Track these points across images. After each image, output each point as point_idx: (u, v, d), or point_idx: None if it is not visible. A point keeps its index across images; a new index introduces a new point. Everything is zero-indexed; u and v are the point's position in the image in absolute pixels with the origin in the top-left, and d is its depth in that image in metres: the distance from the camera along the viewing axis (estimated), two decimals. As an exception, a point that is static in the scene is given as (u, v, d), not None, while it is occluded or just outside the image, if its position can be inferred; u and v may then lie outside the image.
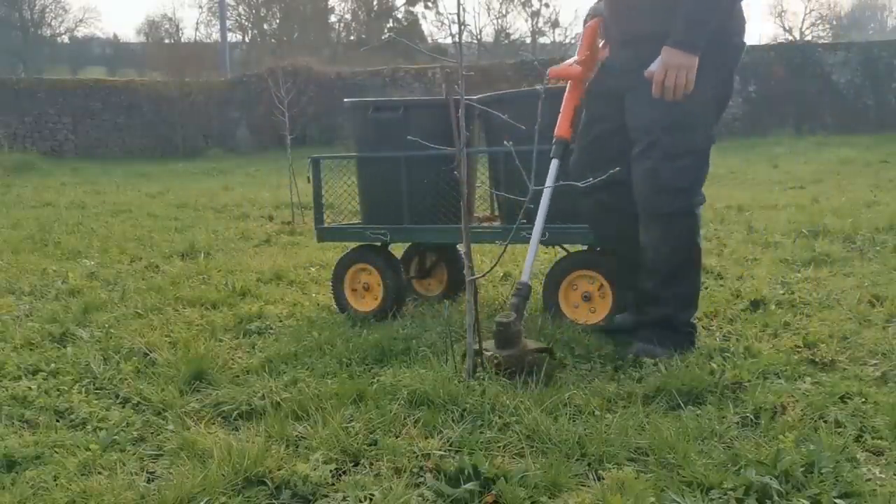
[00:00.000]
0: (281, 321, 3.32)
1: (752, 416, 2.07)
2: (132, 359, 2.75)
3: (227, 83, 18.22)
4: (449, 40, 32.96)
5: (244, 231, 6.22)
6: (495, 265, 2.54)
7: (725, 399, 2.19)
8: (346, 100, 3.63)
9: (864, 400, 2.14)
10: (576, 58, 2.87)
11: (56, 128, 16.91)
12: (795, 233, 4.97)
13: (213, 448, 1.90)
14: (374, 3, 34.57)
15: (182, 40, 33.17)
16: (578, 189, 2.46)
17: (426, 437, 1.99)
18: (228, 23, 30.10)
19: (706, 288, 3.57)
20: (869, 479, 1.73)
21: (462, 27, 2.32)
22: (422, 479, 1.80)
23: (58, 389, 2.44)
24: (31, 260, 4.89)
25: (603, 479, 1.77)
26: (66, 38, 40.23)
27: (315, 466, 1.82)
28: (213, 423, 2.18)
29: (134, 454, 2.00)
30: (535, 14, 34.86)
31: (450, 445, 1.94)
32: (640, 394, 2.23)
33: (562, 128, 2.82)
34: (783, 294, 3.40)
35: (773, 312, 3.12)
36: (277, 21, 33.89)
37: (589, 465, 1.85)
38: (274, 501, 1.74)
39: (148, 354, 2.81)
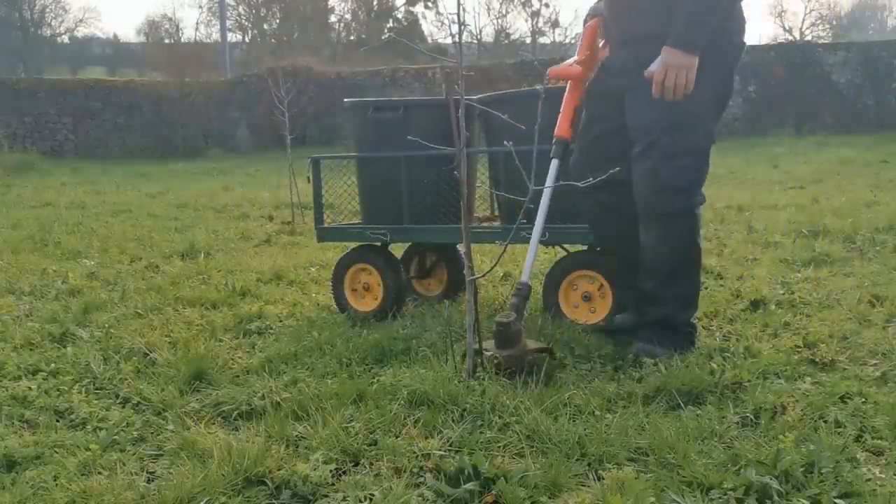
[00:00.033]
0: (281, 321, 3.32)
1: (752, 416, 2.07)
2: (132, 359, 2.75)
3: (227, 83, 18.22)
4: (449, 40, 32.97)
5: (244, 231, 6.22)
6: (495, 265, 2.54)
7: (725, 399, 2.19)
8: (346, 100, 3.63)
9: (864, 400, 2.14)
10: (576, 58, 2.87)
11: (56, 128, 16.91)
12: (795, 233, 4.97)
13: (213, 448, 1.90)
14: (374, 3, 34.57)
15: (182, 40, 33.21)
16: (578, 189, 2.46)
17: (426, 437, 1.99)
18: (228, 23, 30.12)
19: (706, 288, 3.57)
20: (869, 479, 1.73)
21: (462, 27, 2.32)
22: (422, 479, 1.80)
23: (58, 389, 2.44)
24: (31, 260, 4.89)
25: (603, 479, 1.77)
26: (66, 38, 40.27)
27: (315, 466, 1.82)
28: (213, 423, 2.18)
29: (134, 454, 2.00)
30: (535, 14, 34.88)
31: (450, 445, 1.94)
32: (640, 394, 2.23)
33: (562, 128, 2.82)
34: (783, 294, 3.40)
35: (773, 312, 3.12)
36: (277, 21, 33.90)
37: (589, 465, 1.85)
38: (274, 501, 1.74)
39: (148, 354, 2.81)
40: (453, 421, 2.06)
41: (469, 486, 1.71)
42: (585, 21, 2.95)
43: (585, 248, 3.18)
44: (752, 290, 3.43)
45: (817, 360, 2.53)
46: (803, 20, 39.49)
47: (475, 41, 33.90)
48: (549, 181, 2.75)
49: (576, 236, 3.05)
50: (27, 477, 1.85)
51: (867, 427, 1.99)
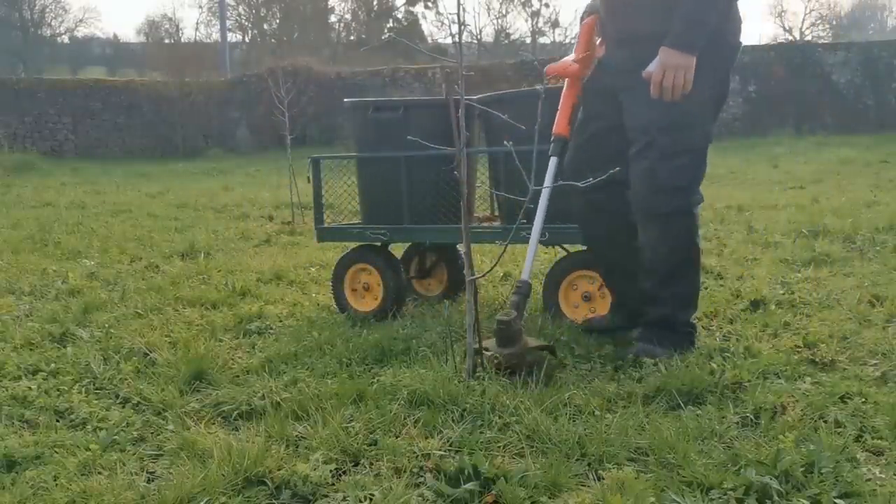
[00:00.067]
0: (281, 321, 3.32)
1: (752, 416, 2.07)
2: (132, 359, 2.75)
3: (227, 83, 18.22)
4: (449, 40, 32.97)
5: (244, 231, 6.22)
6: (495, 265, 2.54)
7: (725, 399, 2.19)
8: (346, 100, 3.63)
9: (864, 400, 2.14)
10: (573, 55, 2.87)
11: (56, 128, 16.91)
12: (795, 233, 4.97)
13: (213, 448, 1.90)
14: (374, 3, 34.57)
15: (182, 40, 33.23)
16: (575, 188, 2.46)
17: (426, 437, 1.99)
18: (228, 23, 30.12)
19: (706, 288, 3.57)
20: (869, 479, 1.73)
21: (462, 27, 2.32)
22: (422, 479, 1.80)
23: (58, 389, 2.44)
24: (31, 260, 4.89)
25: (603, 479, 1.77)
26: (66, 38, 40.27)
27: (315, 466, 1.82)
28: (213, 423, 2.18)
29: (134, 454, 2.00)
30: (535, 14, 34.88)
31: (450, 445, 1.94)
32: (640, 394, 2.23)
33: (560, 125, 2.82)
34: (783, 294, 3.40)
35: (773, 312, 3.12)
36: (277, 21, 33.90)
37: (589, 465, 1.85)
38: (274, 501, 1.74)
39: (148, 354, 2.81)
40: (453, 421, 2.06)
41: (469, 486, 1.71)
42: (582, 18, 2.95)
43: (585, 248, 3.18)
44: (752, 290, 3.43)
45: (817, 360, 2.53)
46: (803, 20, 39.50)
47: (475, 41, 33.91)
48: (548, 179, 2.75)
49: (576, 236, 3.05)
50: (27, 477, 1.85)
51: (867, 427, 1.99)
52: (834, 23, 37.61)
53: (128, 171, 13.37)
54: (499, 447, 1.93)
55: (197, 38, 35.09)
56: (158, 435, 2.12)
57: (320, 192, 3.47)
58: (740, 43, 2.66)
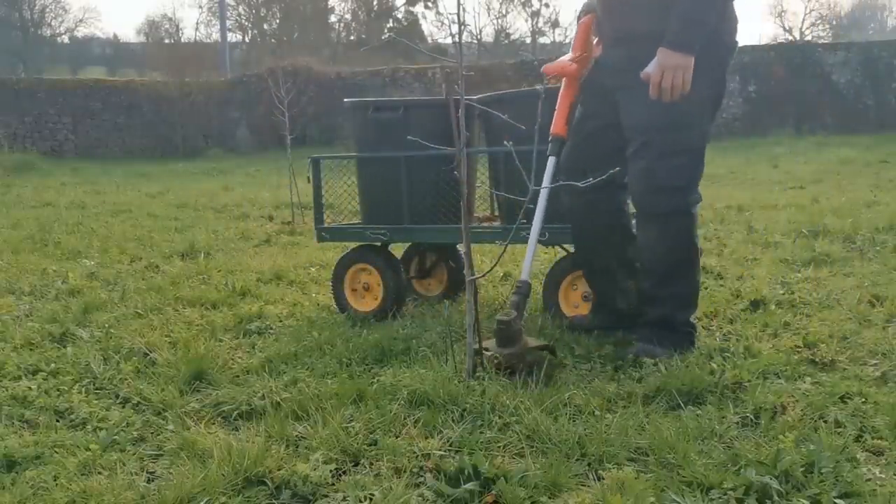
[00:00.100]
0: (281, 321, 3.32)
1: (752, 416, 2.07)
2: (132, 359, 2.75)
3: (227, 83, 18.22)
4: (449, 40, 32.97)
5: (244, 231, 6.22)
6: (495, 265, 2.54)
7: (725, 399, 2.19)
8: (346, 100, 3.63)
9: (864, 400, 2.14)
10: (570, 55, 2.87)
11: (56, 128, 16.91)
12: (795, 233, 4.97)
13: (213, 448, 1.90)
14: (374, 3, 34.58)
15: (182, 40, 33.24)
16: (567, 187, 2.46)
17: (426, 437, 1.99)
18: (228, 23, 30.13)
19: (706, 288, 3.57)
20: (869, 479, 1.73)
21: (462, 27, 2.32)
22: (422, 479, 1.80)
23: (58, 389, 2.44)
24: (31, 260, 4.89)
25: (603, 479, 1.77)
26: (66, 38, 40.28)
27: (315, 466, 1.82)
28: (213, 423, 2.18)
29: (134, 454, 2.00)
30: (535, 14, 34.90)
31: (450, 445, 1.94)
32: (640, 394, 2.23)
33: (558, 125, 2.81)
34: (783, 294, 3.40)
35: (773, 312, 3.12)
36: (277, 21, 33.91)
37: (589, 465, 1.85)
38: (274, 501, 1.74)
39: (148, 354, 2.81)
40: (453, 421, 2.06)
41: (469, 486, 1.71)
42: (579, 17, 2.96)
43: (574, 247, 3.17)
44: (752, 290, 3.43)
45: (817, 360, 2.53)
46: (803, 20, 39.49)
47: (475, 41, 33.92)
48: (546, 179, 2.75)
49: (576, 236, 3.05)
50: (27, 477, 1.85)
51: (867, 427, 1.99)
52: (834, 23, 37.65)
53: (128, 171, 13.37)
54: (499, 447, 1.93)
55: (197, 38, 35.14)
56: (158, 435, 2.12)
57: (320, 192, 3.47)
58: (736, 42, 2.67)
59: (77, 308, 3.51)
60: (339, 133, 16.19)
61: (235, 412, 2.23)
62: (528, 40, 34.89)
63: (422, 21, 45.63)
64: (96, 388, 2.49)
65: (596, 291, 2.93)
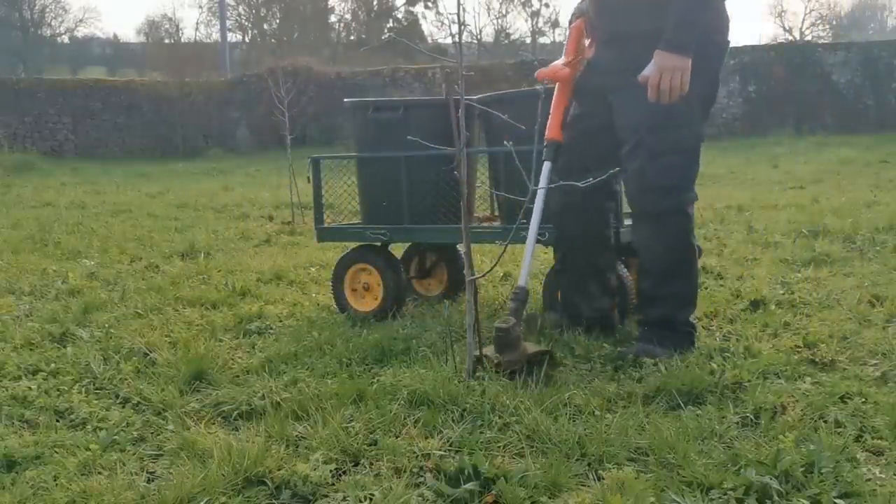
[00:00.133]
0: (281, 321, 3.32)
1: (752, 416, 2.07)
2: (132, 359, 2.75)
3: (227, 83, 18.22)
4: (449, 40, 32.99)
5: (244, 231, 6.22)
6: (495, 265, 2.54)
7: (725, 399, 2.19)
8: (346, 100, 3.63)
9: (864, 400, 2.14)
10: (563, 59, 2.87)
11: (56, 128, 16.91)
12: (795, 233, 4.97)
13: (213, 448, 1.90)
14: (374, 3, 34.58)
15: (182, 40, 33.25)
16: (558, 187, 2.46)
17: (426, 437, 1.99)
18: (228, 23, 30.13)
19: (706, 288, 3.57)
20: (869, 479, 1.72)
21: (462, 27, 2.32)
22: (422, 479, 1.80)
23: (58, 389, 2.44)
24: (31, 260, 4.89)
25: (603, 479, 1.77)
26: (66, 38, 40.27)
27: (315, 466, 1.82)
28: (213, 423, 2.18)
29: (134, 454, 2.00)
30: (535, 14, 34.90)
31: (450, 445, 1.94)
32: (640, 394, 2.23)
33: (552, 130, 2.81)
34: (783, 294, 3.40)
35: (773, 312, 3.12)
36: (277, 21, 33.91)
37: (589, 465, 1.85)
38: (274, 501, 1.74)
39: (148, 354, 2.81)
40: (453, 421, 2.06)
41: (469, 486, 1.71)
42: (571, 21, 2.96)
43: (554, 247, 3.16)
44: (752, 290, 3.43)
45: (817, 360, 2.53)
46: (803, 20, 39.45)
47: (475, 41, 33.93)
48: (543, 184, 2.74)
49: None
50: (27, 477, 1.85)
51: (867, 427, 1.99)
52: (834, 23, 37.65)
53: (128, 171, 13.37)
54: (499, 447, 1.93)
55: (197, 38, 35.14)
56: (158, 435, 2.12)
57: (320, 192, 3.47)
58: (728, 42, 2.68)
59: (77, 308, 3.51)
60: (339, 133, 16.19)
61: (235, 412, 2.23)
62: (528, 40, 34.92)
63: (422, 21, 45.65)
64: (96, 388, 2.49)
65: (561, 292, 2.92)
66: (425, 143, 2.48)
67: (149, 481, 1.84)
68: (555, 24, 34.76)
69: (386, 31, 33.32)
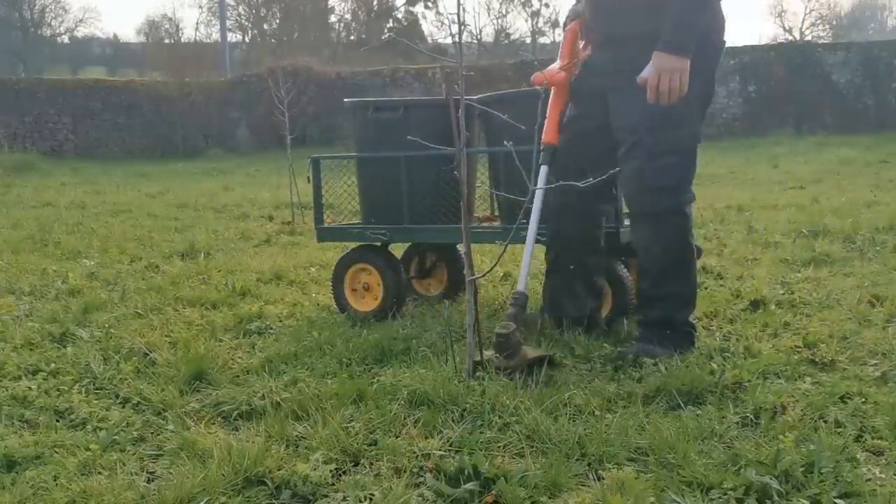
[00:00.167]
0: (281, 321, 3.32)
1: (752, 416, 2.07)
2: (132, 359, 2.75)
3: (227, 83, 18.22)
4: (449, 40, 32.99)
5: (244, 231, 6.22)
6: (495, 265, 2.54)
7: (725, 399, 2.19)
8: (346, 100, 3.63)
9: (864, 400, 2.14)
10: (558, 63, 2.87)
11: (56, 128, 16.91)
12: (795, 233, 4.97)
13: (213, 448, 1.90)
14: (374, 3, 34.58)
15: (182, 40, 33.26)
16: (555, 188, 2.46)
17: (426, 437, 1.99)
18: (228, 23, 30.13)
19: (706, 288, 3.57)
20: (869, 479, 1.72)
21: (462, 27, 2.32)
22: (422, 479, 1.80)
23: (58, 389, 2.44)
24: (31, 260, 4.89)
25: (603, 479, 1.77)
26: (66, 38, 40.28)
27: (315, 466, 1.82)
28: (213, 423, 2.18)
29: (134, 454, 2.00)
30: (535, 14, 34.90)
31: (450, 445, 1.94)
32: (640, 394, 2.23)
33: (549, 134, 2.81)
34: (783, 294, 3.40)
35: (773, 312, 3.12)
36: (277, 21, 33.91)
37: (589, 465, 1.85)
38: (274, 501, 1.74)
39: (148, 354, 2.81)
40: (453, 421, 2.06)
41: (469, 486, 1.71)
42: (565, 25, 2.95)
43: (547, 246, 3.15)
44: (752, 290, 3.43)
45: (817, 360, 2.53)
46: (803, 20, 39.44)
47: (475, 41, 33.93)
48: (539, 190, 2.73)
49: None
50: (27, 477, 1.85)
51: (867, 427, 1.99)
52: (834, 23, 37.65)
53: (128, 171, 13.37)
54: (499, 447, 1.93)
55: (197, 38, 35.14)
56: (158, 435, 2.11)
57: (320, 192, 3.47)
58: (724, 42, 2.69)
59: (77, 308, 3.51)
60: (339, 133, 16.19)
61: (235, 412, 2.23)
62: (528, 40, 34.92)
63: (422, 21, 45.60)
64: (96, 388, 2.49)
65: (549, 292, 2.92)
66: (425, 143, 2.48)
67: (149, 481, 1.84)
68: (555, 24, 34.75)
69: (386, 31, 33.33)
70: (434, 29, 44.49)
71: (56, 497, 1.74)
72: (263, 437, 2.00)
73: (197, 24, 51.04)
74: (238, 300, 3.70)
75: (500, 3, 36.29)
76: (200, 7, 53.17)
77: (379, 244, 3.43)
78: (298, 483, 1.76)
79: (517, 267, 4.13)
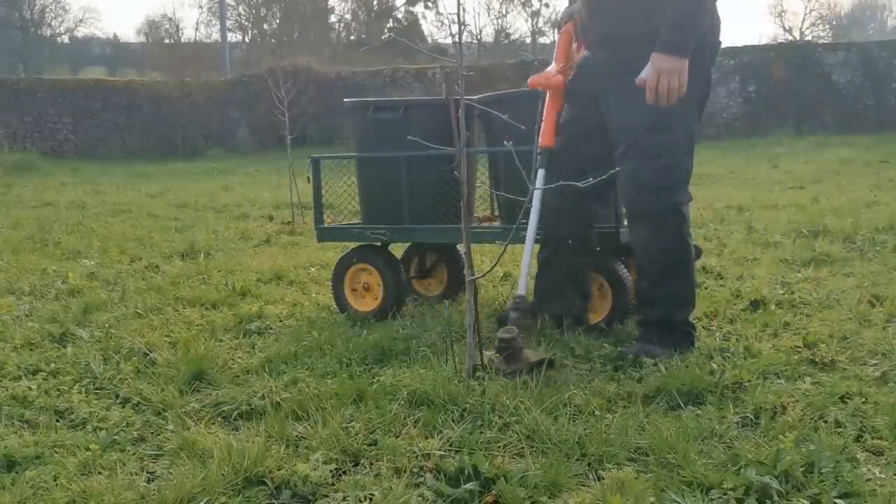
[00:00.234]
0: (281, 321, 3.32)
1: (752, 416, 2.07)
2: (132, 359, 2.75)
3: (227, 83, 18.21)
4: (449, 40, 32.99)
5: (244, 231, 6.22)
6: (495, 265, 2.54)
7: (725, 399, 2.19)
8: (346, 100, 3.63)
9: (864, 400, 2.14)
10: (554, 66, 2.87)
11: (56, 128, 16.91)
12: (795, 233, 4.97)
13: (213, 448, 1.90)
14: (374, 3, 34.58)
15: (182, 40, 33.25)
16: (552, 189, 2.45)
17: (426, 437, 1.99)
18: (228, 23, 30.12)
19: (706, 288, 3.57)
20: (869, 479, 1.73)
21: (462, 27, 2.32)
22: (422, 479, 1.80)
23: (58, 389, 2.44)
24: (31, 260, 4.89)
25: (603, 479, 1.77)
26: (66, 38, 40.28)
27: (315, 466, 1.82)
28: (213, 423, 2.18)
29: (134, 454, 2.00)
30: (535, 14, 34.90)
31: (450, 445, 1.94)
32: (640, 394, 2.23)
33: (546, 137, 2.80)
34: (783, 294, 3.40)
35: (773, 312, 3.12)
36: (277, 21, 33.91)
37: (589, 465, 1.85)
38: (274, 501, 1.74)
39: (148, 354, 2.81)
40: (453, 421, 2.06)
41: (469, 486, 1.71)
42: (559, 26, 2.95)
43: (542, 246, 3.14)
44: (752, 290, 3.43)
45: (817, 360, 2.53)
46: (803, 20, 39.45)
47: (475, 41, 33.93)
48: (536, 193, 2.72)
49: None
50: (27, 477, 1.85)
51: (867, 427, 1.99)
52: (834, 23, 37.65)
53: (128, 171, 13.37)
54: (499, 447, 1.93)
55: (197, 38, 35.14)
56: (158, 435, 2.12)
57: (320, 192, 3.47)
58: (720, 42, 2.69)
59: (77, 308, 3.51)
60: (339, 133, 16.19)
61: (235, 412, 2.23)
62: (528, 40, 34.92)
63: (422, 21, 45.60)
64: (96, 388, 2.49)
65: (539, 290, 2.92)
66: (425, 143, 2.48)
67: (149, 481, 1.84)
68: (555, 24, 34.68)
69: (386, 31, 33.33)
70: (434, 29, 44.53)
71: (56, 497, 1.74)
72: (263, 437, 2.00)
73: (197, 24, 51.09)
74: (238, 300, 3.70)
75: (500, 3, 36.31)
76: (200, 7, 53.19)
77: (379, 244, 3.43)
78: (298, 483, 1.76)
79: (517, 267, 4.13)
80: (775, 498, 1.65)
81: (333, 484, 1.78)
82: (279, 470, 1.82)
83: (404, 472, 1.82)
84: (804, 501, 1.63)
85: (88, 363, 2.69)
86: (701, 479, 1.72)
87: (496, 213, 3.61)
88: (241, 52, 31.91)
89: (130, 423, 2.19)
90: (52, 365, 2.69)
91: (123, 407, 2.33)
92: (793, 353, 2.60)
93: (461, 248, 2.68)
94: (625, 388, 2.30)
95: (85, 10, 76.83)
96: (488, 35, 36.23)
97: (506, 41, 34.92)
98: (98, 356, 2.77)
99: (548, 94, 2.83)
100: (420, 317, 3.23)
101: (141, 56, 32.03)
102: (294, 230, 6.27)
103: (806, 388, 2.25)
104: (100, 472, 1.87)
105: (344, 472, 1.85)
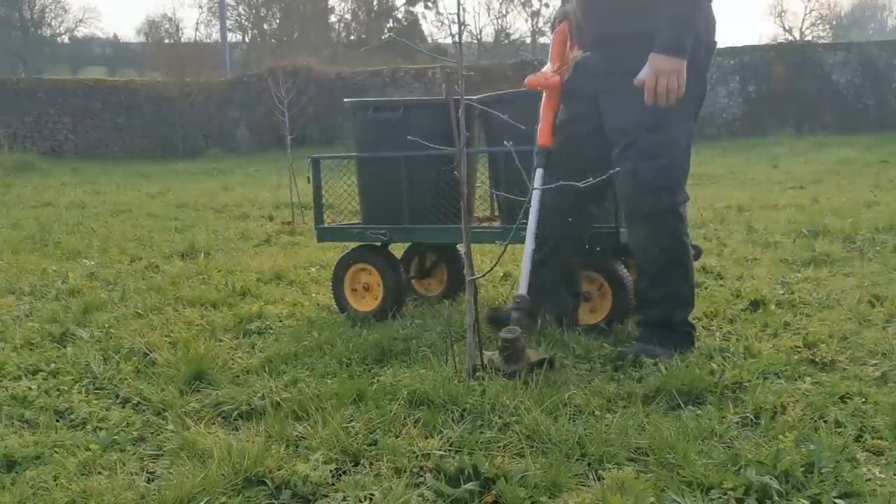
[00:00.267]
0: (281, 321, 3.32)
1: (752, 416, 2.07)
2: (132, 359, 2.75)
3: (227, 83, 18.22)
4: (449, 40, 32.99)
5: (244, 231, 6.22)
6: (495, 265, 2.54)
7: (725, 399, 2.19)
8: (346, 100, 3.63)
9: (864, 400, 2.14)
10: (550, 66, 2.86)
11: (56, 128, 16.91)
12: (795, 233, 4.97)
13: (213, 448, 1.90)
14: (374, 3, 34.58)
15: (182, 40, 33.25)
16: (549, 189, 2.45)
17: (426, 437, 1.99)
18: (228, 23, 30.13)
19: (706, 288, 3.57)
20: (869, 479, 1.73)
21: (462, 27, 2.32)
22: (422, 479, 1.80)
23: (58, 389, 2.44)
24: (31, 260, 4.89)
25: (603, 479, 1.77)
26: (66, 38, 40.28)
27: (315, 466, 1.82)
28: (213, 423, 2.18)
29: (134, 454, 2.00)
30: (535, 14, 34.88)
31: (450, 445, 1.94)
32: (640, 394, 2.23)
33: (543, 137, 2.80)
34: (783, 294, 3.40)
35: (773, 312, 3.12)
36: (277, 21, 33.92)
37: (589, 465, 1.85)
38: (274, 501, 1.74)
39: (148, 354, 2.81)
40: (453, 421, 2.06)
41: (469, 486, 1.71)
42: (553, 26, 2.95)
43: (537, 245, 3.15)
44: (752, 290, 3.43)
45: (817, 360, 2.53)
46: (803, 20, 39.46)
47: (475, 41, 33.93)
48: (535, 193, 2.72)
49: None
50: (27, 477, 1.85)
51: (867, 427, 1.99)
52: (834, 23, 37.66)
53: (128, 171, 13.37)
54: (499, 447, 1.93)
55: (197, 38, 35.15)
56: (158, 435, 2.12)
57: (320, 192, 3.47)
58: (715, 42, 2.69)
59: (77, 308, 3.51)
60: (339, 133, 16.19)
61: (235, 412, 2.23)
62: (528, 40, 34.91)
63: (422, 21, 45.61)
64: (96, 388, 2.49)
65: (533, 291, 2.91)
66: (425, 143, 2.48)
67: (149, 481, 1.84)
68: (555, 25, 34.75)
69: (386, 31, 33.33)
70: (434, 29, 44.56)
71: (56, 497, 1.74)
72: (263, 437, 2.00)
73: (197, 24, 51.08)
74: (238, 300, 3.70)
75: (500, 3, 36.33)
76: (200, 7, 53.18)
77: (379, 244, 3.43)
78: (298, 483, 1.76)
79: (517, 267, 4.13)
80: (775, 498, 1.65)
81: (333, 484, 1.78)
82: (279, 470, 1.82)
83: (404, 472, 1.82)
84: (804, 501, 1.63)
85: (88, 363, 2.69)
86: (701, 479, 1.72)
87: (496, 213, 3.61)
88: (241, 52, 31.92)
89: (130, 423, 2.19)
90: (52, 365, 2.69)
91: (123, 407, 2.33)
92: (793, 353, 2.60)
93: (461, 248, 2.68)
94: (625, 388, 2.30)
95: (85, 10, 76.89)
96: (488, 35, 36.28)
97: (506, 41, 34.93)
98: (98, 356, 2.77)
99: (544, 95, 2.83)
100: (420, 317, 3.23)
101: (141, 56, 32.03)
102: (294, 230, 6.27)
103: (806, 388, 2.25)
104: (100, 472, 1.87)
105: (344, 472, 1.85)
